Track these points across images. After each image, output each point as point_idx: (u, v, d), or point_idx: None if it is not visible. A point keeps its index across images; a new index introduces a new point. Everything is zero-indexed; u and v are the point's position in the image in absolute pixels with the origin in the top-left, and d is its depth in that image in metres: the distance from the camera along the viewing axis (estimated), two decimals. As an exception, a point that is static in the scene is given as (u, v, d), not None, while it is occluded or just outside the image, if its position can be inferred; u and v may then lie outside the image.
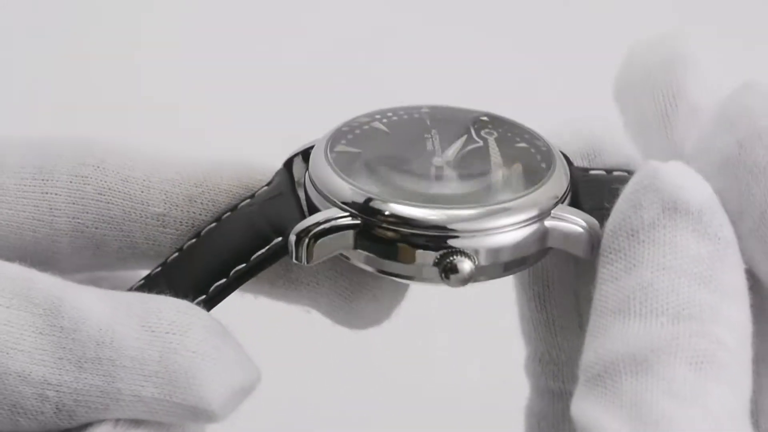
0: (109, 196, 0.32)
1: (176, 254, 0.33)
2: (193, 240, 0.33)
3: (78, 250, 0.33)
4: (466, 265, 0.29)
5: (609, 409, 0.26)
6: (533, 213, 0.30)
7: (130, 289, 0.32)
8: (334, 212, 0.30)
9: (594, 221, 0.30)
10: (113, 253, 0.33)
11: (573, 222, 0.30)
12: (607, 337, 0.27)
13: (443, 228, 0.29)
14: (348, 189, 0.30)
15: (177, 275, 0.32)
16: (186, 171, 0.33)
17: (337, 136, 0.32)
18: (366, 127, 0.32)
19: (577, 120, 0.33)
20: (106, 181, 0.32)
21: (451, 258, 0.29)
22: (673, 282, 0.27)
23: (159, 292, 0.31)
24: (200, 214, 0.32)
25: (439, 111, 0.33)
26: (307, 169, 0.32)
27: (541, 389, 0.33)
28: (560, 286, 0.33)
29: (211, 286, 0.31)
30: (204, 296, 0.31)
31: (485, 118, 0.33)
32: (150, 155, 0.33)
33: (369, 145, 0.32)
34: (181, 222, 0.32)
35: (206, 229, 0.32)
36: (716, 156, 0.30)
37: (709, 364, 0.26)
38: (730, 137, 0.29)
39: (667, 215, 0.27)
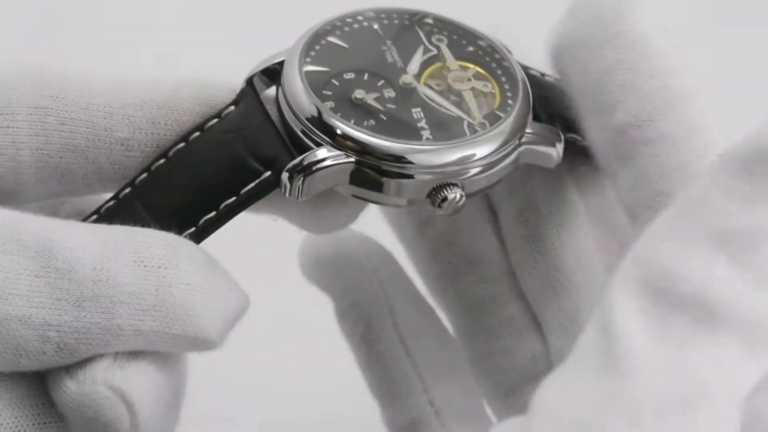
0: (71, 125, 0.32)
1: (145, 175, 0.32)
2: (162, 161, 0.32)
3: (43, 179, 0.32)
4: (457, 194, 0.31)
5: (648, 329, 0.25)
6: (511, 139, 0.32)
7: (99, 211, 0.33)
8: (325, 152, 0.31)
9: (557, 133, 0.32)
10: (79, 180, 0.33)
11: (544, 141, 0.32)
12: (688, 257, 0.25)
13: (438, 167, 0.31)
14: (340, 128, 0.31)
15: (152, 198, 0.32)
16: (147, 94, 0.32)
17: (301, 55, 0.33)
18: (324, 42, 0.33)
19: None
20: (66, 111, 0.32)
21: (444, 191, 0.31)
22: None
23: (136, 216, 0.31)
24: (165, 135, 0.32)
25: (384, 16, 0.34)
26: (280, 93, 0.32)
27: None
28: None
29: (200, 219, 0.32)
30: (193, 228, 0.32)
31: (429, 21, 0.34)
32: (109, 81, 0.33)
33: (335, 63, 0.33)
34: (146, 145, 0.32)
35: (174, 150, 0.32)
36: (563, 38, 0.32)
37: (760, 347, 0.25)
38: (574, 21, 0.31)
39: None
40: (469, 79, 0.33)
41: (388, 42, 0.33)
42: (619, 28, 0.31)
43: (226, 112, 0.33)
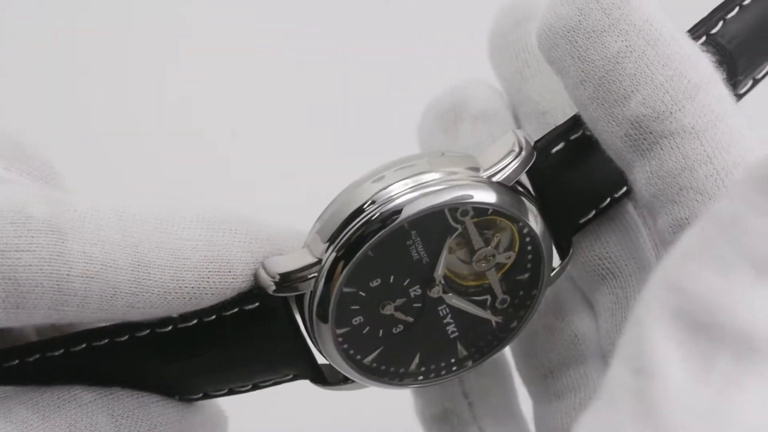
0: (89, 317, 0.31)
1: (147, 332, 0.33)
2: (170, 328, 0.32)
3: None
4: None
5: (688, 367, 0.23)
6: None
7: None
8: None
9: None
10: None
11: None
12: (727, 285, 0.23)
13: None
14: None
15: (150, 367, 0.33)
16: (169, 293, 0.31)
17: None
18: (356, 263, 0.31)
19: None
20: (88, 314, 0.31)
21: None
22: None
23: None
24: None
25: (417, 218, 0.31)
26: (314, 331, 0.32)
27: None
28: None
29: (207, 391, 0.34)
30: (200, 395, 0.34)
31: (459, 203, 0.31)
32: (132, 272, 0.31)
33: (360, 280, 0.32)
34: None
35: (181, 327, 0.32)
36: (559, 23, 0.30)
37: None
38: (572, 4, 0.30)
39: None
40: (494, 255, 0.32)
41: (413, 233, 0.31)
42: (622, 12, 0.29)
43: (250, 306, 0.32)
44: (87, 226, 0.30)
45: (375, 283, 0.32)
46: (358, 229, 0.31)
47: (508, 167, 0.31)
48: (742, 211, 0.23)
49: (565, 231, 0.33)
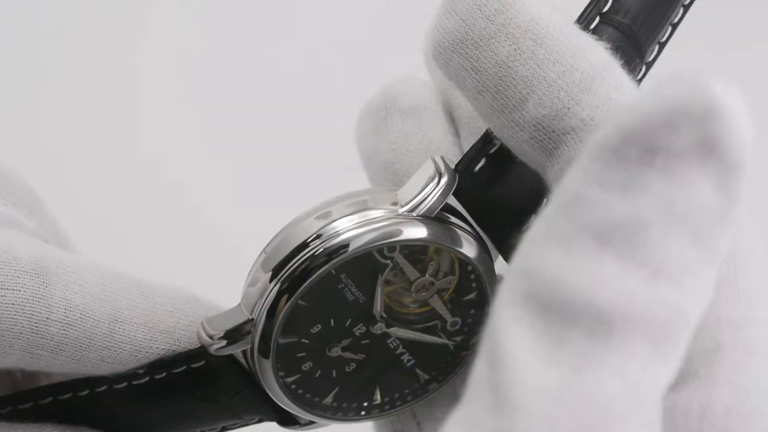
0: (61, 370, 0.32)
1: (105, 389, 0.33)
2: (124, 385, 0.33)
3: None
4: None
5: (537, 348, 0.22)
6: None
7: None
8: None
9: None
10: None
11: None
12: (570, 260, 0.22)
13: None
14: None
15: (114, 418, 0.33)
16: (142, 352, 0.32)
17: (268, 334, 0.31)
18: (289, 313, 0.31)
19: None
20: (60, 362, 0.32)
21: None
22: (669, 230, 0.22)
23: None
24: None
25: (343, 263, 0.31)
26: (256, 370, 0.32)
27: None
28: None
29: None
30: None
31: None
32: (107, 326, 0.32)
33: (298, 329, 0.31)
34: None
35: (140, 383, 0.33)
36: (447, 38, 0.29)
37: (667, 344, 0.22)
38: (453, 16, 0.29)
39: (699, 152, 0.22)
40: (432, 283, 0.31)
41: (343, 276, 0.31)
42: (506, 16, 0.28)
43: (196, 365, 0.32)
44: (71, 275, 0.31)
45: (316, 329, 0.31)
46: (303, 262, 0.30)
47: (429, 198, 0.30)
48: (581, 185, 0.23)
49: (511, 245, 0.31)
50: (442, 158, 0.31)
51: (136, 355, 0.32)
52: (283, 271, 0.30)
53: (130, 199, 0.64)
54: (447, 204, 0.30)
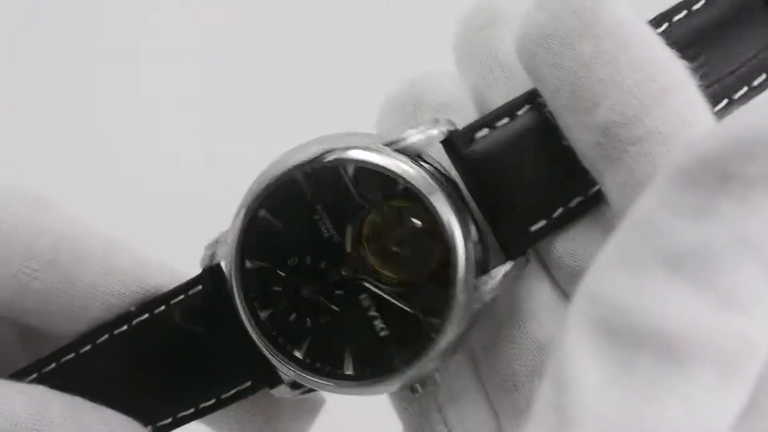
0: (53, 294, 0.32)
1: (106, 337, 0.33)
2: (125, 327, 0.33)
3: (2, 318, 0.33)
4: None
5: (605, 372, 0.22)
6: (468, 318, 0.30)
7: (58, 361, 0.33)
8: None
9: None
10: (35, 328, 0.33)
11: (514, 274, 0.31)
12: (640, 285, 0.22)
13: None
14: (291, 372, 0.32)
15: (116, 373, 0.33)
16: (133, 283, 0.33)
17: (237, 257, 0.31)
18: (259, 222, 0.31)
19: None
20: (53, 280, 0.32)
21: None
22: (741, 258, 0.22)
23: (97, 381, 0.33)
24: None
25: (309, 169, 0.31)
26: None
27: None
28: None
29: (176, 415, 0.33)
30: (169, 420, 0.33)
31: (351, 164, 0.30)
32: (101, 252, 0.33)
33: (274, 253, 0.31)
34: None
35: (137, 321, 0.33)
36: (535, 31, 0.29)
37: (735, 374, 0.22)
38: (544, 11, 0.29)
39: None
40: (408, 240, 0.30)
41: (318, 207, 0.31)
42: (595, 16, 0.28)
43: (193, 291, 0.33)
44: (70, 214, 0.33)
45: (292, 262, 0.31)
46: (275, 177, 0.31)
47: (409, 137, 0.30)
48: (654, 209, 0.23)
49: (514, 237, 0.30)
50: (449, 120, 0.31)
51: (128, 286, 0.33)
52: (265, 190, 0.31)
53: (131, 199, 0.64)
54: (442, 170, 0.30)
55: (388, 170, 0.30)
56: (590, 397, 0.21)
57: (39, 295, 0.32)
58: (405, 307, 0.31)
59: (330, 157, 0.30)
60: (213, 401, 0.33)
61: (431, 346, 0.30)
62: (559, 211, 0.30)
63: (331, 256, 0.31)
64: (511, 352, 0.31)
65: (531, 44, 0.29)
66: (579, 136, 0.29)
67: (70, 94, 0.66)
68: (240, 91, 0.66)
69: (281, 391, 0.33)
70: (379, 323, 0.31)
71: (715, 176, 0.22)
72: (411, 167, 0.30)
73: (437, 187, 0.30)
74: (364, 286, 0.31)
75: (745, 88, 0.31)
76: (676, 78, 0.28)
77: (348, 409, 0.39)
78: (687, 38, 0.30)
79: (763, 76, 0.31)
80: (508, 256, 0.30)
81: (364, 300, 0.31)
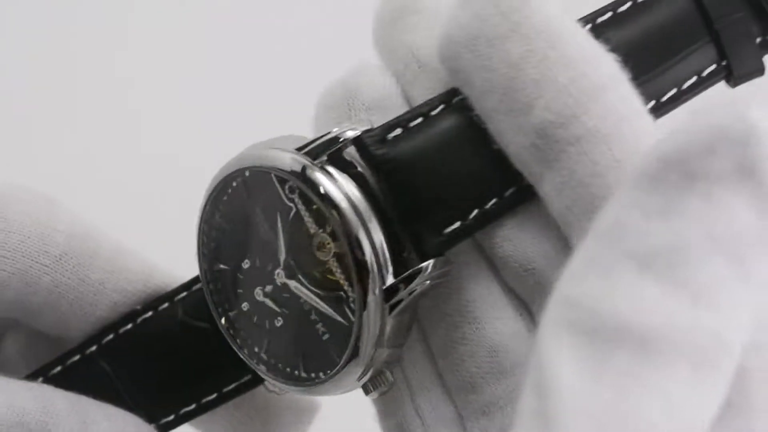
0: (62, 289, 0.32)
1: (111, 336, 0.33)
2: (129, 326, 0.33)
3: (10, 312, 0.33)
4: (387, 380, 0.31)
5: (583, 372, 0.22)
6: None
7: (64, 363, 0.34)
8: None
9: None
10: (41, 324, 0.33)
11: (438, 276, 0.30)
12: (613, 286, 0.22)
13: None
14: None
15: (122, 369, 0.34)
16: (140, 283, 0.33)
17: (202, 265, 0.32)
18: (214, 224, 0.32)
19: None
20: (63, 276, 0.32)
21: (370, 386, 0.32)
22: (709, 254, 0.22)
23: (102, 380, 0.33)
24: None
25: (248, 173, 0.31)
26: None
27: None
28: None
29: (179, 411, 0.34)
30: (172, 417, 0.33)
31: (280, 174, 0.30)
32: (109, 251, 0.33)
33: (230, 256, 0.32)
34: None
35: (143, 318, 0.33)
36: (459, 33, 0.28)
37: (710, 369, 0.22)
38: (468, 11, 0.28)
39: (738, 177, 0.22)
40: (329, 243, 0.30)
41: (258, 210, 0.31)
42: (521, 15, 0.27)
43: (196, 287, 0.33)
44: (79, 213, 0.33)
45: (246, 265, 0.31)
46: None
47: (318, 141, 0.30)
48: (621, 214, 0.23)
49: (426, 239, 0.29)
50: (369, 120, 0.30)
51: (134, 285, 0.33)
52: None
53: (131, 198, 0.64)
54: (352, 167, 0.29)
55: (298, 177, 0.29)
56: (571, 396, 0.21)
57: (49, 291, 0.32)
58: (330, 310, 0.30)
59: (256, 162, 0.30)
60: (215, 396, 0.33)
61: (359, 351, 0.30)
62: (475, 212, 0.29)
63: (271, 259, 0.31)
64: (465, 353, 0.31)
65: (456, 46, 0.28)
66: (513, 138, 0.28)
67: (62, 97, 0.66)
68: (239, 91, 0.66)
69: (276, 384, 0.33)
70: (321, 327, 0.30)
71: (680, 175, 0.22)
72: (319, 173, 0.29)
73: (344, 198, 0.29)
74: (290, 287, 0.31)
75: (675, 90, 0.30)
76: (608, 73, 0.27)
77: (343, 413, 0.39)
78: (614, 39, 0.29)
79: (694, 78, 0.30)
80: (422, 258, 0.29)
81: (305, 304, 0.31)
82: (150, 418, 0.34)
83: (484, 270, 0.31)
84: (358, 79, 0.32)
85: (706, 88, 0.31)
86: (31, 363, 0.35)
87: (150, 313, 0.33)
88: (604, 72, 0.27)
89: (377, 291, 0.29)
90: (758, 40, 0.31)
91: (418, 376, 0.32)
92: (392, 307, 0.29)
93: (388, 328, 0.30)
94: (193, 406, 0.34)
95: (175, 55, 0.68)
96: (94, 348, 0.33)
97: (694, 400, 0.22)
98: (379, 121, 0.30)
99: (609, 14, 0.30)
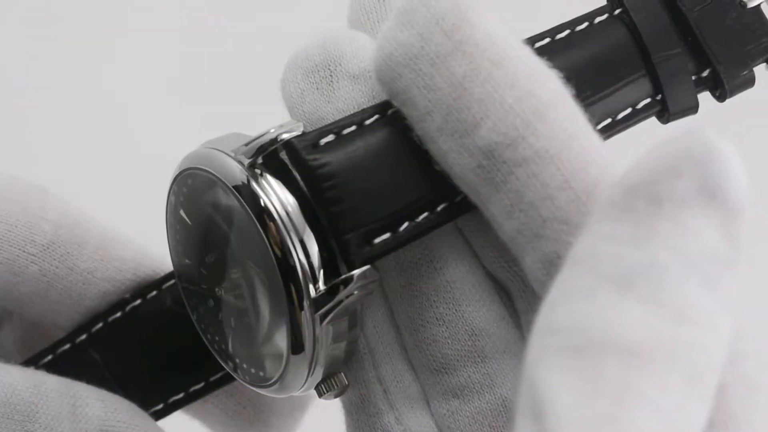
0: (50, 278, 0.32)
1: (101, 325, 0.33)
2: (118, 314, 0.33)
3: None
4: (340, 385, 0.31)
5: (576, 388, 0.22)
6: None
7: (54, 352, 0.34)
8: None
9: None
10: (30, 314, 0.33)
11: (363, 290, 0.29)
12: (596, 307, 0.23)
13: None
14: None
15: (111, 357, 0.34)
16: (129, 272, 0.33)
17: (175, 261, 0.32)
18: (179, 218, 0.31)
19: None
20: (51, 265, 0.32)
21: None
22: (684, 275, 0.23)
23: (93, 368, 0.33)
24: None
25: (195, 174, 0.30)
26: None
27: None
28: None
29: (167, 399, 0.34)
30: (161, 406, 0.34)
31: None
32: (98, 240, 0.33)
33: (193, 251, 0.31)
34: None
35: (131, 306, 0.34)
36: (400, 51, 0.27)
37: (697, 382, 0.22)
38: (411, 29, 0.27)
39: (702, 199, 0.23)
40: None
41: (211, 207, 0.30)
42: (464, 33, 0.26)
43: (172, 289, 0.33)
44: (70, 202, 0.33)
45: (210, 259, 0.30)
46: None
47: (253, 143, 0.28)
48: (594, 245, 0.23)
49: (353, 249, 0.28)
50: (301, 124, 0.29)
51: (124, 273, 0.33)
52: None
53: (131, 198, 0.64)
54: (286, 171, 0.28)
55: (237, 189, 0.29)
56: (566, 412, 0.21)
57: (37, 280, 0.32)
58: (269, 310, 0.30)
59: (202, 164, 0.29)
60: (202, 384, 0.33)
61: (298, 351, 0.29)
62: (405, 225, 0.28)
63: (226, 256, 0.30)
64: (439, 334, 0.30)
65: (396, 66, 0.27)
66: (457, 160, 0.27)
67: (61, 97, 0.66)
68: (238, 91, 0.67)
69: (244, 383, 0.32)
70: (266, 325, 0.30)
71: (647, 201, 0.23)
72: (255, 184, 0.28)
73: (279, 208, 0.28)
74: (222, 296, 0.31)
75: (609, 120, 0.30)
76: (553, 91, 0.26)
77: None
78: (551, 66, 0.27)
79: (629, 110, 0.30)
80: (349, 268, 0.28)
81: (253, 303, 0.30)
82: (139, 407, 0.33)
83: (469, 255, 0.30)
84: (342, 45, 0.30)
85: (640, 120, 0.30)
86: (25, 354, 0.35)
87: (138, 301, 0.33)
88: (549, 89, 0.26)
89: (305, 301, 0.28)
90: (694, 77, 0.31)
91: (382, 347, 0.31)
92: (323, 317, 0.29)
93: (324, 335, 0.29)
94: (181, 395, 0.34)
95: (175, 55, 0.68)
96: (84, 337, 0.33)
97: (684, 411, 0.22)
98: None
99: (547, 40, 0.29)
